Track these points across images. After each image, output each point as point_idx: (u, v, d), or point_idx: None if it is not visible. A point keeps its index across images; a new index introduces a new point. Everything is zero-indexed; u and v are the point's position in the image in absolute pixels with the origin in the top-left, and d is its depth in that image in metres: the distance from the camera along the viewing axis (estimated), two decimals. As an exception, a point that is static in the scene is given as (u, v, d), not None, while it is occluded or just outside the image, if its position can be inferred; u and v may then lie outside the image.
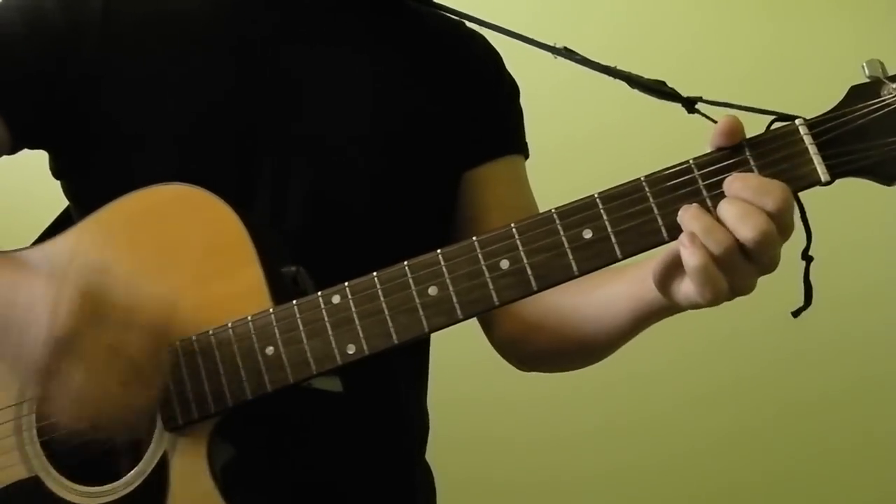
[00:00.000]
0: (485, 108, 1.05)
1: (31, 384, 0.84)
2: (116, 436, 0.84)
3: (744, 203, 0.73)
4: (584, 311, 0.93)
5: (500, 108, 1.08)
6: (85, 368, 0.76)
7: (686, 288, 0.76)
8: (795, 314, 0.79)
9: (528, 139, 1.10)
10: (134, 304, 0.79)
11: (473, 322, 0.96)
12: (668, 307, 0.82)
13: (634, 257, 0.78)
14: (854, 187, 0.79)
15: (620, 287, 0.88)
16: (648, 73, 0.89)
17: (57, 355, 0.76)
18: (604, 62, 0.91)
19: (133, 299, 0.79)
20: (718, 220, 0.73)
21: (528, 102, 1.10)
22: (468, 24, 1.06)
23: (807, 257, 0.78)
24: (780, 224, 0.73)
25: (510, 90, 1.10)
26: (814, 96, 0.81)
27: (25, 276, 0.82)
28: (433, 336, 0.98)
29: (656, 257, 0.79)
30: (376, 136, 0.99)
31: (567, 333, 0.96)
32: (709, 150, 0.76)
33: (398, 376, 1.02)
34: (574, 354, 1.00)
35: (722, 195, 0.75)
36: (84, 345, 0.76)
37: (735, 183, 0.74)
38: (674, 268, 0.77)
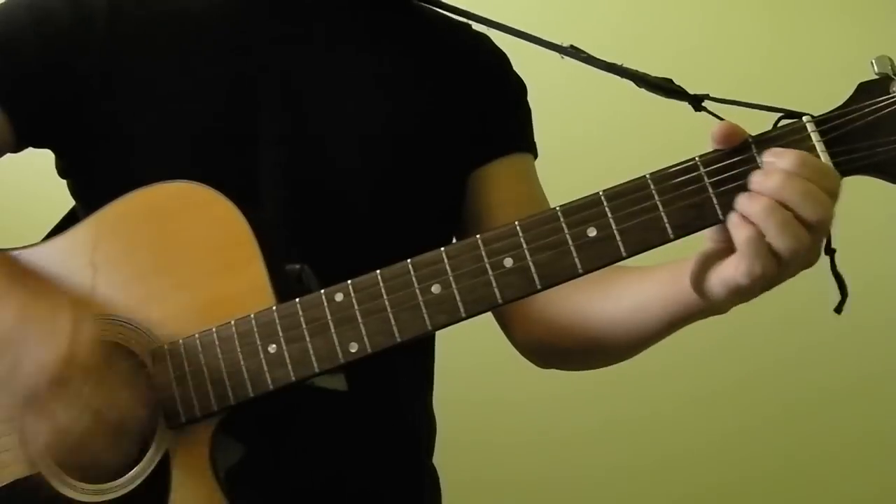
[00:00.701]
0: (490, 107, 1.05)
1: (18, 405, 0.82)
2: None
3: (807, 182, 0.71)
4: (613, 312, 0.91)
5: (506, 106, 1.07)
6: (71, 411, 0.76)
7: (725, 272, 0.74)
8: (838, 309, 0.78)
9: (536, 138, 1.09)
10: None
11: (479, 324, 0.95)
12: (701, 309, 0.81)
13: (649, 257, 0.78)
14: (861, 184, 0.78)
15: (652, 289, 0.87)
16: (655, 71, 0.88)
17: (47, 390, 0.76)
18: (610, 60, 0.90)
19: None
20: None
21: (534, 101, 1.09)
22: (474, 24, 1.06)
23: (829, 251, 0.77)
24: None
25: (517, 89, 1.09)
26: (822, 93, 0.80)
27: (32, 296, 0.81)
28: (439, 337, 0.98)
29: (691, 256, 0.78)
30: (382, 136, 0.98)
31: (593, 335, 0.95)
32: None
33: (403, 377, 1.01)
34: (599, 355, 0.99)
35: (727, 193, 0.73)
36: (76, 389, 0.76)
37: (787, 159, 0.72)
38: (711, 259, 0.76)
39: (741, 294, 0.75)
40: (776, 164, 0.72)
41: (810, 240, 0.71)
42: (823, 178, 0.71)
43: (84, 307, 0.80)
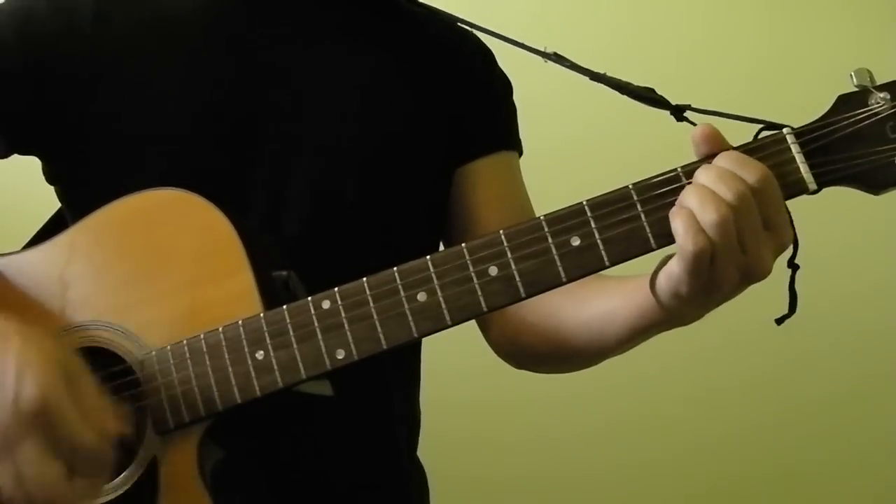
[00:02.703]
0: (475, 105, 1.05)
1: None
2: None
3: (722, 168, 0.74)
4: (584, 318, 0.93)
5: (491, 104, 1.08)
6: (33, 466, 0.74)
7: (669, 264, 0.76)
8: (779, 322, 0.79)
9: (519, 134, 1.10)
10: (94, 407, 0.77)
11: (468, 323, 0.96)
12: (662, 318, 0.82)
13: (632, 265, 0.78)
14: (845, 194, 0.79)
15: (619, 297, 0.88)
16: (638, 79, 0.89)
17: (14, 430, 0.74)
18: (594, 67, 0.91)
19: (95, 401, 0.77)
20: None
21: (519, 104, 1.10)
22: (459, 24, 1.06)
23: (793, 265, 0.79)
24: (761, 205, 0.73)
25: (501, 86, 1.10)
26: (802, 104, 0.82)
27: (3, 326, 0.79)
28: (427, 337, 0.98)
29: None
30: (369, 135, 0.99)
31: (565, 339, 0.96)
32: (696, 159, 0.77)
33: (390, 378, 1.02)
34: (571, 359, 1.00)
35: None
36: (32, 443, 0.74)
37: (717, 157, 0.75)
38: (665, 261, 0.78)
39: (681, 289, 0.76)
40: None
41: (733, 220, 0.72)
42: (740, 166, 0.74)
43: (36, 342, 0.77)
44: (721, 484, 1.99)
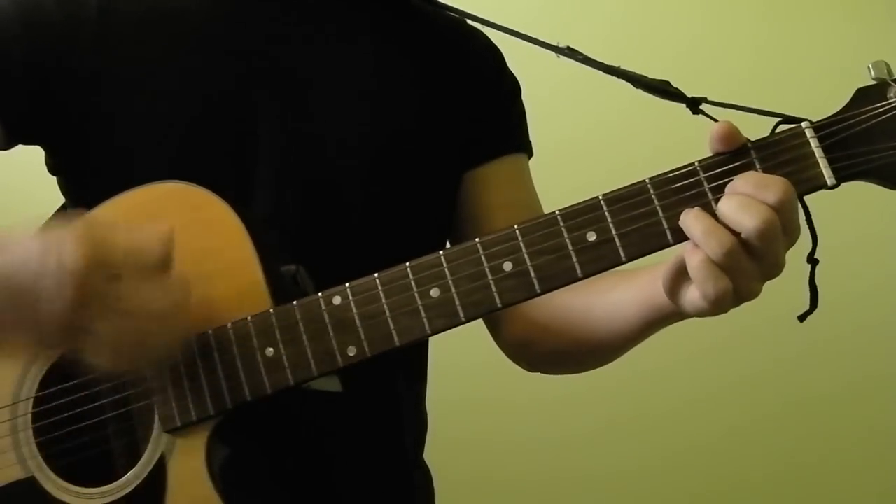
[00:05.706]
0: (486, 107, 1.05)
1: (58, 344, 0.79)
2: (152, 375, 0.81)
3: (744, 196, 0.72)
4: (595, 313, 0.92)
5: (502, 106, 1.07)
6: (109, 316, 0.71)
7: (692, 294, 0.76)
8: (802, 318, 0.78)
9: (530, 138, 1.09)
10: (136, 245, 0.74)
11: (474, 322, 0.95)
12: (677, 313, 0.81)
13: (647, 260, 0.78)
14: (859, 189, 0.78)
15: (632, 290, 0.87)
16: (653, 73, 0.88)
17: (76, 310, 0.70)
18: (607, 62, 0.90)
19: (134, 241, 0.74)
20: (719, 220, 0.73)
21: (530, 101, 1.09)
22: (470, 22, 1.05)
23: (812, 260, 0.78)
24: (783, 218, 0.72)
25: (511, 89, 1.09)
26: (820, 97, 0.81)
27: (14, 243, 0.74)
28: (434, 336, 0.97)
29: (667, 261, 0.78)
30: (377, 134, 0.98)
31: (576, 336, 0.95)
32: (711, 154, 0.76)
33: (397, 376, 1.01)
34: (583, 357, 0.99)
35: None
36: (100, 293, 0.71)
37: (735, 181, 0.73)
38: (682, 273, 0.76)
39: (704, 313, 0.76)
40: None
41: (748, 258, 0.71)
42: (763, 188, 0.72)
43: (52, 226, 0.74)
44: (721, 483, 1.99)
